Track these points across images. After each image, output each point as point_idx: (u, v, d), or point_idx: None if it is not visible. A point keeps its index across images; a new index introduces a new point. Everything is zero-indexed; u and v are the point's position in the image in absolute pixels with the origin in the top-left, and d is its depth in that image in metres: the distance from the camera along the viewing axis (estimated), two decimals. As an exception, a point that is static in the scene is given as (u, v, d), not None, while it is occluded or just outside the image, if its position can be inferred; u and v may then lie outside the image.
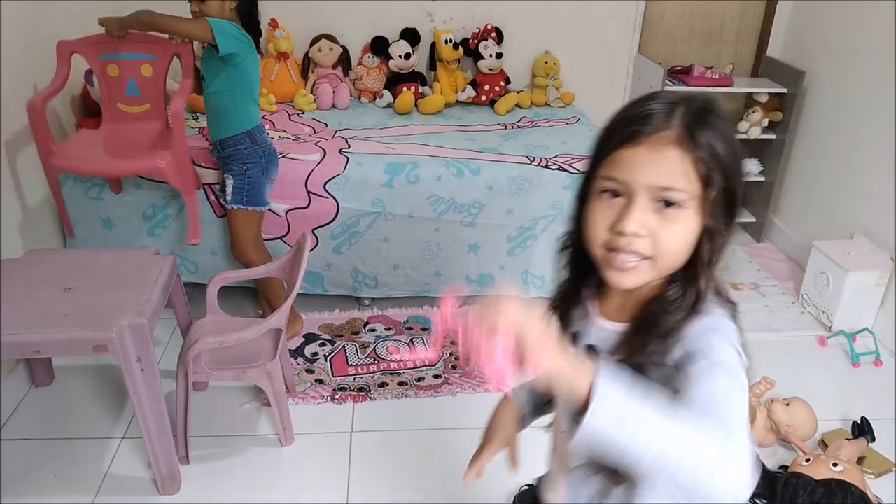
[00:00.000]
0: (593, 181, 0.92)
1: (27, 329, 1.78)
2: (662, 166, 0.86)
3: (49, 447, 2.17)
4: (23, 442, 2.19)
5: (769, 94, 3.55)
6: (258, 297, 2.70)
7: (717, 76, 3.47)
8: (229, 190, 2.40)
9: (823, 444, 2.31)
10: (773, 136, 3.58)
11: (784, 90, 3.49)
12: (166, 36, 2.39)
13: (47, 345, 1.79)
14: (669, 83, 3.44)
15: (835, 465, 2.03)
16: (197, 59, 2.89)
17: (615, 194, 0.89)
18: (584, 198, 0.95)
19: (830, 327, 2.94)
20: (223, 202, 2.49)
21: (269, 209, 2.67)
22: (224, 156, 2.39)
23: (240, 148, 2.36)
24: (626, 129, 0.88)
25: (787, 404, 2.29)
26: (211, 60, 2.26)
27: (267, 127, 3.01)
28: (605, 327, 0.99)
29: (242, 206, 2.41)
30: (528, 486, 2.04)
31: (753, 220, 3.78)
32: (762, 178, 3.66)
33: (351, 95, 3.43)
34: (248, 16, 2.32)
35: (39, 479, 2.05)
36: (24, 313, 1.83)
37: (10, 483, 2.03)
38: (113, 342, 1.78)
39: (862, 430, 2.30)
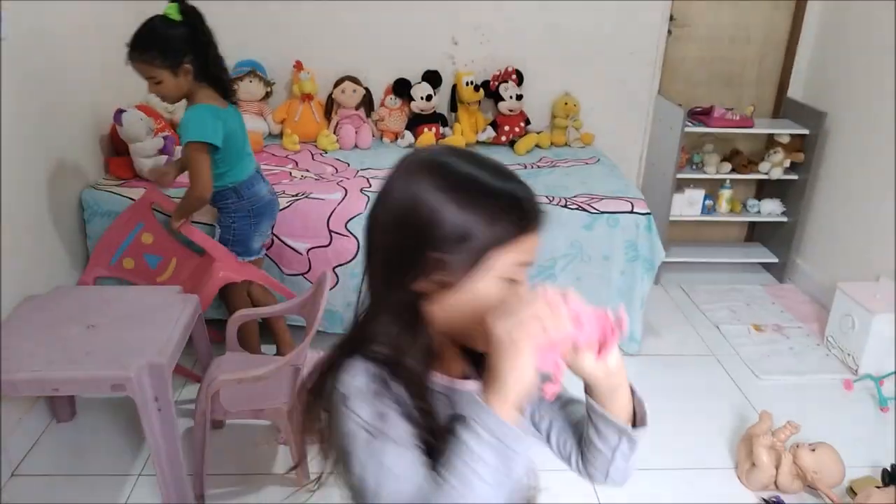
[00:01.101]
0: (478, 269, 0.85)
1: (48, 366, 1.80)
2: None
3: (66, 484, 2.17)
4: (40, 478, 2.19)
5: (791, 135, 3.54)
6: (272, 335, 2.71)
7: (737, 117, 3.48)
8: (216, 238, 2.44)
9: (852, 491, 2.24)
10: (796, 177, 3.56)
11: (806, 131, 3.48)
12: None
13: (66, 383, 1.81)
14: (690, 124, 3.45)
15: (864, 514, 1.96)
16: (174, 117, 2.97)
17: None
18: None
19: (857, 370, 2.88)
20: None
21: (290, 247, 2.71)
22: (216, 206, 2.42)
23: (226, 202, 2.38)
24: (529, 215, 0.88)
25: (814, 450, 2.23)
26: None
27: (290, 166, 3.07)
28: (467, 388, 0.92)
29: None
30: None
31: (776, 260, 3.74)
32: (784, 219, 3.64)
33: (373, 136, 3.48)
34: (206, 71, 2.21)
35: (56, 515, 2.06)
36: (46, 350, 1.86)
37: (28, 519, 2.03)
38: (131, 382, 1.79)
39: (892, 477, 2.23)
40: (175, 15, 2.13)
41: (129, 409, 2.26)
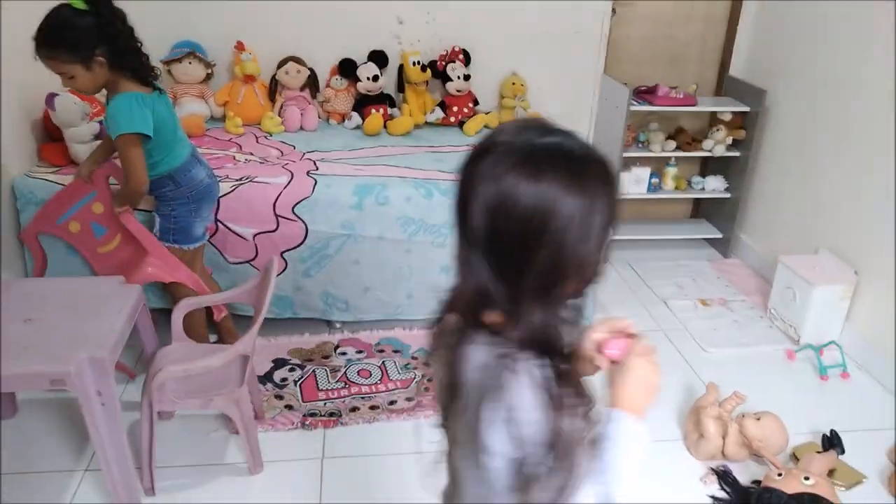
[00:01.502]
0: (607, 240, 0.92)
1: (-17, 361, 1.72)
2: None
3: (9, 483, 2.10)
4: (-20, 478, 2.11)
5: (732, 112, 3.61)
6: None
7: (681, 95, 3.53)
8: (156, 228, 2.37)
9: (795, 457, 2.32)
10: (738, 154, 3.64)
11: (747, 109, 3.56)
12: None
13: (3, 379, 1.73)
14: (635, 103, 3.49)
15: (806, 478, 2.04)
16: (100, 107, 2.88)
17: None
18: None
19: (798, 340, 2.97)
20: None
21: (235, 233, 2.65)
22: (154, 195, 2.34)
23: (163, 191, 2.31)
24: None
25: (759, 419, 2.30)
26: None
27: (233, 150, 3.00)
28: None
29: (170, 244, 2.37)
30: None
31: (720, 236, 3.83)
32: (728, 195, 3.72)
33: (319, 118, 3.42)
34: (122, 59, 2.09)
35: (-2, 516, 1.99)
36: (-19, 345, 1.78)
37: (-33, 522, 1.96)
38: (71, 377, 1.73)
39: (832, 442, 2.32)
40: (80, 3, 1.99)
41: (73, 404, 2.19)
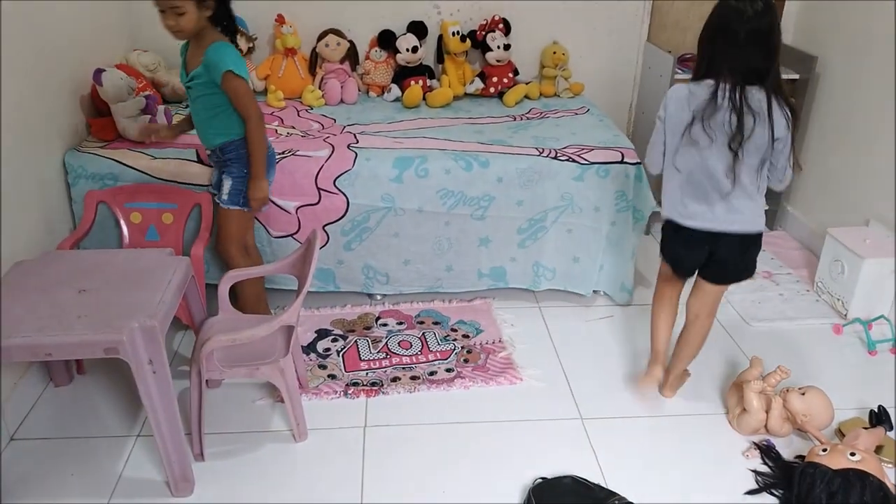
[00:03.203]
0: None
1: (39, 331, 1.79)
2: None
3: (65, 447, 2.19)
4: (39, 441, 2.21)
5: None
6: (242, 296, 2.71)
7: (727, 63, 3.43)
8: (226, 190, 2.39)
9: (840, 433, 2.29)
10: (786, 123, 3.54)
11: (796, 76, 3.45)
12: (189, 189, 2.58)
13: (59, 347, 1.80)
14: (679, 71, 3.40)
15: (852, 454, 2.01)
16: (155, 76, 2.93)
17: None
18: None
19: (846, 315, 2.91)
20: (217, 200, 2.45)
21: (278, 206, 2.69)
22: (224, 159, 2.37)
23: (241, 152, 2.34)
24: None
25: (803, 393, 2.27)
26: (204, 77, 2.21)
27: (275, 124, 3.03)
28: None
29: (239, 207, 2.40)
30: (542, 479, 2.05)
31: (766, 207, 3.74)
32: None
33: (359, 90, 3.43)
34: (220, 14, 2.22)
35: (56, 479, 2.07)
36: (38, 315, 1.85)
37: (27, 482, 2.05)
38: (123, 345, 1.79)
39: (879, 418, 2.28)
40: None
41: (128, 370, 2.28)
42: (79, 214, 2.63)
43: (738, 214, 2.08)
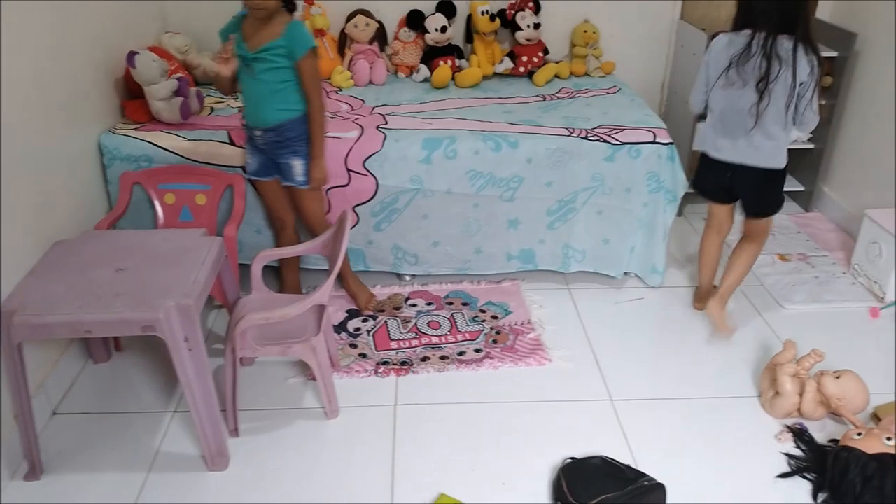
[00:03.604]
0: None
1: (80, 309, 1.84)
2: None
3: (105, 421, 2.25)
4: (79, 416, 2.27)
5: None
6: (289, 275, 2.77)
7: (763, 41, 3.36)
8: (301, 171, 2.44)
9: (876, 417, 2.25)
10: (823, 102, 3.45)
11: (835, 53, 3.36)
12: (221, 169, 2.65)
13: (98, 325, 1.85)
14: (713, 49, 3.34)
15: (888, 438, 1.98)
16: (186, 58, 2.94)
17: None
18: None
19: (883, 298, 2.85)
20: (290, 184, 2.49)
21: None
22: (283, 139, 2.40)
23: (302, 129, 2.39)
24: None
25: (838, 377, 2.24)
26: (283, 49, 2.26)
27: (305, 105, 3.04)
28: None
29: (306, 188, 2.49)
30: (571, 459, 2.06)
31: (802, 188, 3.68)
32: (811, 146, 3.55)
33: (388, 71, 3.42)
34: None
35: (96, 452, 2.13)
36: (78, 293, 1.89)
37: (68, 456, 2.12)
38: (160, 322, 1.83)
39: (916, 403, 2.25)
40: None
41: (164, 348, 2.33)
42: (114, 195, 2.67)
43: (757, 151, 2.39)
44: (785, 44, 2.24)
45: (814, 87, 2.26)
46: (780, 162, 2.41)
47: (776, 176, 2.44)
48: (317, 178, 2.45)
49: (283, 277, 2.77)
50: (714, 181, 2.55)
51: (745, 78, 2.30)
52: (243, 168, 2.62)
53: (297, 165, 2.44)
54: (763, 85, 2.26)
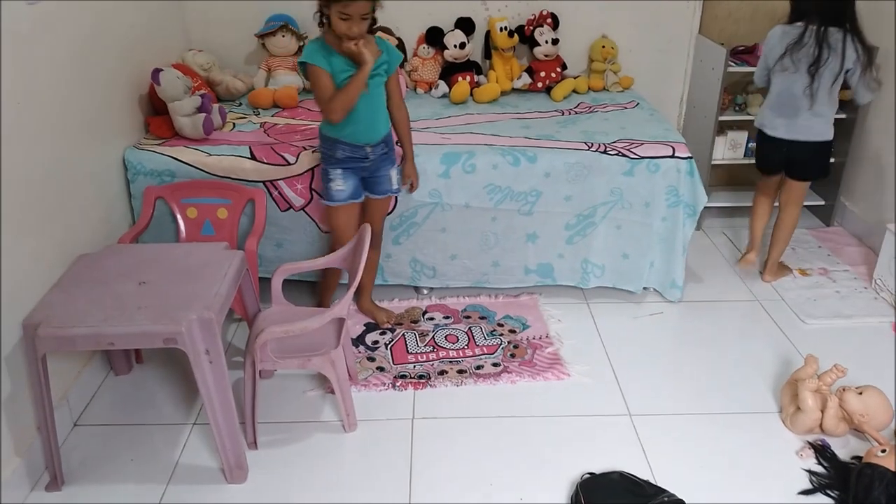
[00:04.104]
0: None
1: (103, 322, 1.86)
2: None
3: (125, 433, 2.28)
4: (100, 427, 2.30)
5: (839, 71, 3.40)
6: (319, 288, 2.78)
7: (782, 55, 3.36)
8: (395, 179, 2.59)
9: (900, 434, 2.22)
10: (844, 116, 3.44)
11: (855, 67, 3.35)
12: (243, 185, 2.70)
13: (121, 337, 1.88)
14: (732, 64, 3.34)
15: (912, 456, 1.95)
16: (210, 75, 2.96)
17: None
18: None
19: (907, 313, 2.82)
20: (385, 195, 2.60)
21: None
22: (388, 150, 2.52)
23: (394, 139, 2.55)
24: None
25: (860, 393, 2.21)
26: (386, 65, 2.38)
27: (325, 120, 3.07)
28: None
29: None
30: (590, 474, 2.05)
31: (822, 202, 3.65)
32: (832, 160, 3.53)
33: (407, 87, 3.45)
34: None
35: (116, 464, 2.15)
36: (101, 306, 1.92)
37: (89, 466, 2.14)
38: (182, 335, 1.85)
39: (942, 420, 2.21)
40: None
41: (184, 361, 2.36)
42: (138, 209, 2.72)
43: (808, 129, 2.78)
44: (835, 35, 2.62)
45: (860, 71, 2.64)
46: (828, 135, 2.80)
47: (825, 147, 2.82)
48: (417, 177, 2.66)
49: (324, 292, 2.77)
50: (773, 157, 2.92)
51: (798, 64, 2.68)
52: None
53: (394, 174, 2.58)
54: (814, 69, 2.64)
